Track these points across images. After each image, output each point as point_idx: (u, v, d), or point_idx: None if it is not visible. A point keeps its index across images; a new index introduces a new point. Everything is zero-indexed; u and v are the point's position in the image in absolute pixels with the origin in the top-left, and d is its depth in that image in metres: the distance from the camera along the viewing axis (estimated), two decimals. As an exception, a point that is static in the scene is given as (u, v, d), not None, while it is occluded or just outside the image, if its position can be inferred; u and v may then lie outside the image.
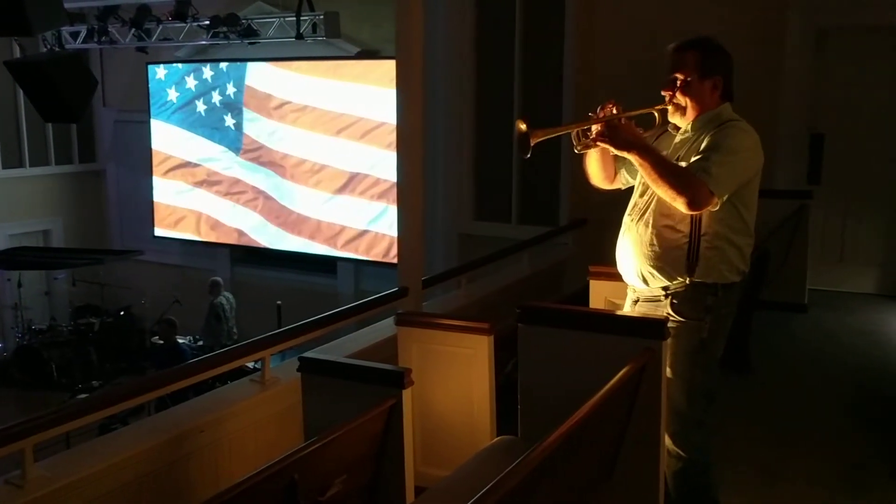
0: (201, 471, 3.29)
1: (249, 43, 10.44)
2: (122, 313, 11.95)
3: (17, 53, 10.23)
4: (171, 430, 3.23)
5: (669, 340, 2.63)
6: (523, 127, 2.63)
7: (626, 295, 3.02)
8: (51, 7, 4.74)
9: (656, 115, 2.90)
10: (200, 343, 10.50)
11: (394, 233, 4.89)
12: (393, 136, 4.42)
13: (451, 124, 7.98)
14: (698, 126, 2.81)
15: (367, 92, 10.34)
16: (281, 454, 2.34)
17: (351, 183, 10.68)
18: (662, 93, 2.86)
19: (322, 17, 9.77)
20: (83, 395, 8.43)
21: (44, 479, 2.80)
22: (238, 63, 11.41)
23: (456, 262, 7.17)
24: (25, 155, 12.56)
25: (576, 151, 2.91)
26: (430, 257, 7.25)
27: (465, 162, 8.04)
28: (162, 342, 9.86)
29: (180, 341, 9.89)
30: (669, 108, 2.84)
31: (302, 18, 9.76)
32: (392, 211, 9.66)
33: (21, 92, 9.38)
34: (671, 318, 2.74)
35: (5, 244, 12.12)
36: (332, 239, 10.94)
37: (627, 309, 2.97)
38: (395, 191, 4.53)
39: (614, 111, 2.75)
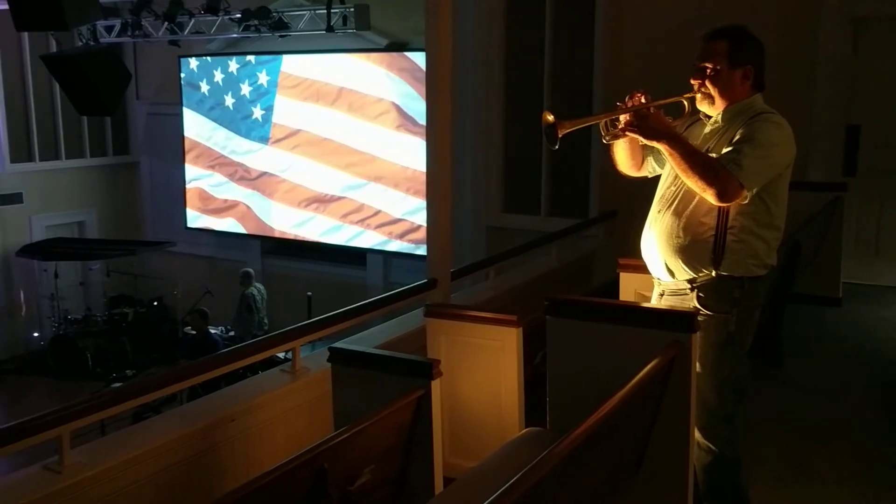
0: (232, 459, 3.33)
1: (280, 36, 10.51)
2: (154, 304, 12.13)
3: (54, 47, 10.39)
4: (203, 419, 3.28)
5: (699, 334, 2.61)
6: (550, 118, 2.62)
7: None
8: (86, 2, 4.82)
9: (685, 103, 2.88)
10: (232, 333, 10.61)
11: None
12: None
13: (481, 116, 7.97)
14: (728, 117, 2.78)
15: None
16: (311, 444, 2.36)
17: (387, 170, 10.68)
18: (691, 81, 2.83)
19: (352, 9, 9.81)
20: (117, 384, 8.57)
21: (80, 465, 2.85)
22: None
23: (484, 254, 7.16)
24: (61, 147, 12.76)
25: (604, 142, 2.89)
26: (459, 249, 7.25)
27: (494, 154, 8.03)
28: (194, 332, 9.99)
29: (212, 331, 10.01)
30: (698, 96, 2.82)
31: (332, 11, 9.80)
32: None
33: (57, 85, 9.53)
34: (698, 311, 2.72)
35: (42, 235, 12.35)
36: (365, 221, 10.95)
37: (654, 302, 2.96)
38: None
39: (643, 100, 2.73)
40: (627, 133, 2.76)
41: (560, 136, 2.61)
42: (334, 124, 10.98)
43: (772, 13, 6.14)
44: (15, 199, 12.15)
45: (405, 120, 10.38)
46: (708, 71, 2.78)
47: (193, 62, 12.18)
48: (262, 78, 11.51)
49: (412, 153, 10.27)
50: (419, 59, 9.97)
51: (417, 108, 10.00)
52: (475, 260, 6.02)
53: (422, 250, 9.36)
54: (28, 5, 4.77)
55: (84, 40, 10.79)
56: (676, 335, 2.53)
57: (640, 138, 2.75)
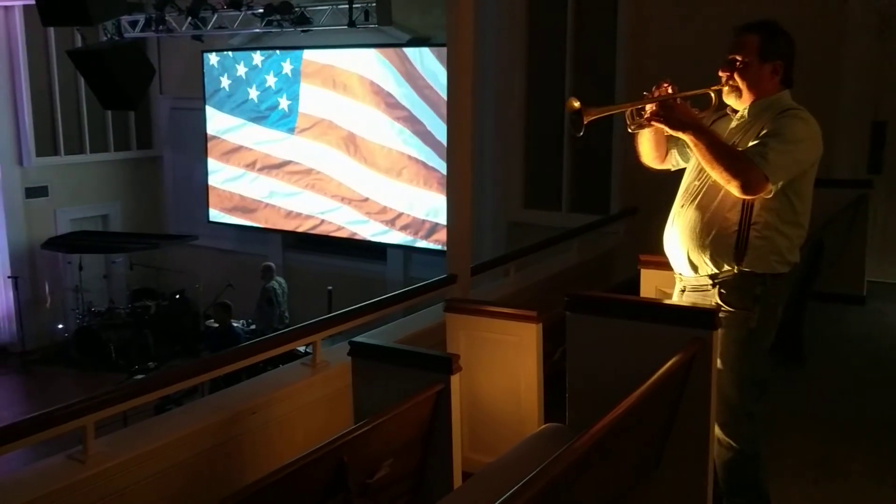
0: (253, 451, 3.36)
1: (302, 31, 10.54)
2: (177, 297, 12.23)
3: (79, 42, 10.49)
4: (224, 411, 3.31)
5: (720, 330, 2.59)
6: (577, 105, 2.62)
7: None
8: (110, -3, 4.86)
9: (712, 96, 2.85)
10: (253, 327, 10.68)
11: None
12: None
13: (502, 111, 7.95)
14: (755, 112, 2.76)
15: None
16: (331, 437, 2.38)
17: (413, 167, 10.67)
18: (720, 73, 2.81)
19: (374, 4, 9.82)
20: (140, 376, 8.66)
21: (104, 454, 2.89)
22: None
23: (505, 249, 7.14)
24: (86, 141, 12.89)
25: (629, 131, 2.88)
26: (479, 245, 7.24)
27: (516, 149, 8.00)
28: (216, 325, 10.06)
29: (234, 325, 10.07)
30: (725, 89, 2.80)
31: (354, 6, 9.82)
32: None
33: (82, 80, 9.64)
34: (720, 308, 2.71)
35: (67, 228, 12.49)
36: (392, 221, 10.97)
37: (675, 298, 2.94)
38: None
39: (669, 91, 2.71)
40: (653, 123, 2.75)
41: (585, 122, 2.60)
42: (359, 117, 10.99)
43: (798, 8, 6.07)
44: (40, 192, 12.30)
45: (423, 119, 10.37)
46: (737, 63, 2.76)
47: (216, 57, 12.24)
48: (287, 67, 11.53)
49: (430, 152, 10.27)
50: (428, 57, 10.00)
51: (433, 107, 10.00)
52: (495, 256, 6.02)
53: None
54: (54, 1, 4.82)
55: (109, 35, 10.89)
56: (698, 332, 2.52)
57: (666, 128, 2.74)
